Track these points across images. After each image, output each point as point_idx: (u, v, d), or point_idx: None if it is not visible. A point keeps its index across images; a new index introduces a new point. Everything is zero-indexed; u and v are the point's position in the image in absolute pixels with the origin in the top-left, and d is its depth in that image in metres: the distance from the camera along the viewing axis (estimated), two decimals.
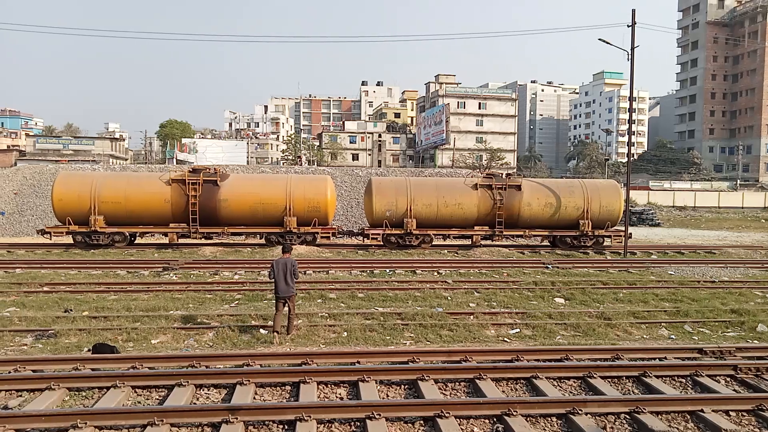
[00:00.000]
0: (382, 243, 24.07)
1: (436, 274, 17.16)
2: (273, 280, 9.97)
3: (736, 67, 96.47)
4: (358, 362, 8.18)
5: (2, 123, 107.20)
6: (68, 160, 59.37)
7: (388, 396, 7.24)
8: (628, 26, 22.98)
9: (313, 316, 11.39)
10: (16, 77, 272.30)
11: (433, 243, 24.62)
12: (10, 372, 7.55)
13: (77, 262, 18.60)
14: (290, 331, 10.11)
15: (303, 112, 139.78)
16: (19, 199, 31.36)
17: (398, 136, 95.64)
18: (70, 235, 22.99)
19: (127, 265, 17.98)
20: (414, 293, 13.85)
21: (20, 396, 6.98)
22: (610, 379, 7.83)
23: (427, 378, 7.47)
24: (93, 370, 7.68)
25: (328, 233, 23.72)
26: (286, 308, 10.14)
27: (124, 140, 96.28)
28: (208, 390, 7.24)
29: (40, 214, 30.48)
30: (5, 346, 9.47)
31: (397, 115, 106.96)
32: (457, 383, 7.61)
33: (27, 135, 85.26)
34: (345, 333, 10.33)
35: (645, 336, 10.71)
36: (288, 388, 7.34)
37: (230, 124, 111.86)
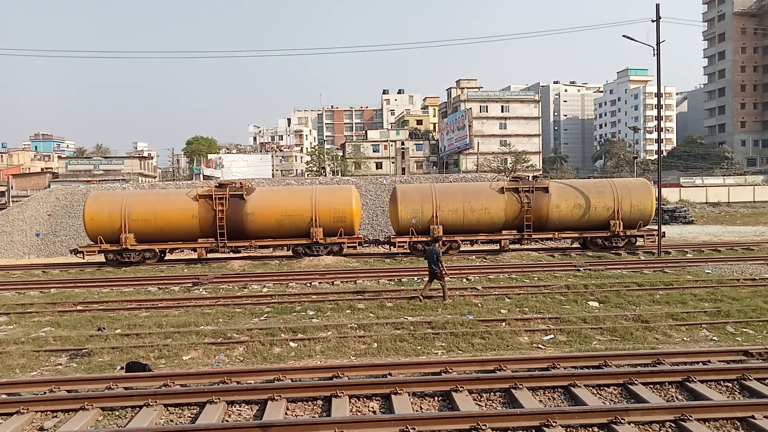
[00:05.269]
0: (408, 251, 23.91)
1: (465, 280, 16.93)
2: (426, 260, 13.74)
3: (766, 58, 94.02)
4: (390, 374, 8.05)
5: (36, 147, 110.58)
6: (99, 180, 60.80)
7: (421, 409, 7.08)
8: (653, 21, 22.50)
9: (342, 327, 11.31)
10: (47, 102, 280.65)
11: (461, 249, 24.37)
12: (45, 393, 7.62)
13: (109, 280, 18.89)
14: (446, 298, 13.40)
15: (325, 123, 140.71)
16: (52, 220, 32.10)
17: (421, 143, 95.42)
18: (102, 254, 23.39)
19: (157, 282, 18.20)
20: (444, 301, 13.66)
21: (55, 417, 7.01)
22: (652, 386, 7.53)
23: (461, 389, 7.29)
24: (126, 389, 7.70)
25: (354, 243, 23.68)
26: (436, 284, 13.68)
27: (152, 158, 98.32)
28: (240, 406, 7.17)
29: (73, 234, 31.10)
30: (41, 366, 9.59)
31: (419, 122, 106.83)
32: (492, 393, 7.41)
33: (59, 157, 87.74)
34: (375, 344, 10.20)
35: (685, 339, 10.33)
36: (320, 402, 7.25)
37: (255, 138, 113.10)
